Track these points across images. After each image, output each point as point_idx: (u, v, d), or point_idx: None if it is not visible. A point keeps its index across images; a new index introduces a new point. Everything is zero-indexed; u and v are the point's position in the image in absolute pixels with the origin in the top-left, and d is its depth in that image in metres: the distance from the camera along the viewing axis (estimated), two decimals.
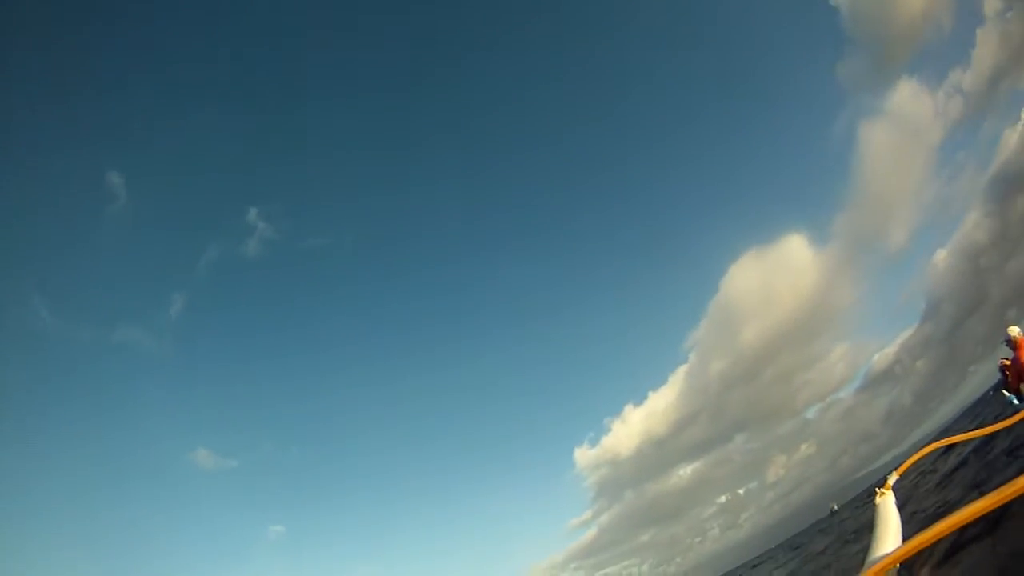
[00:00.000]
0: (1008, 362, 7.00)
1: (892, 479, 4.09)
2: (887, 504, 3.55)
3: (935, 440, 6.70)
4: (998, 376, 8.29)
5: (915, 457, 5.06)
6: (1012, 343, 6.73)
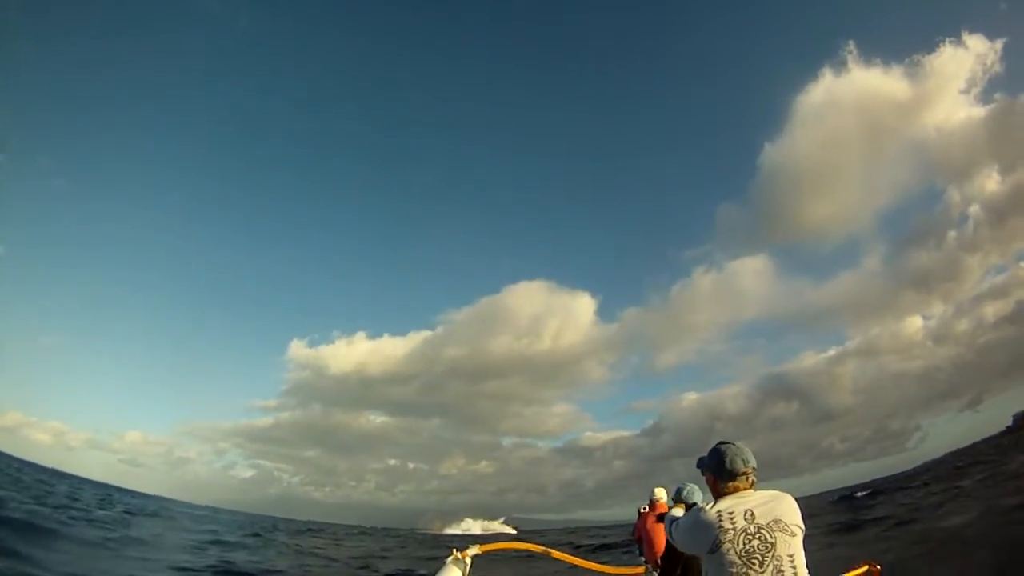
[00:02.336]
0: (644, 512, 6.71)
1: (473, 551, 4.24)
2: (455, 570, 3.88)
3: (544, 546, 6.58)
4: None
5: (506, 545, 5.32)
6: (652, 504, 6.50)
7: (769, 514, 2.33)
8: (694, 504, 4.32)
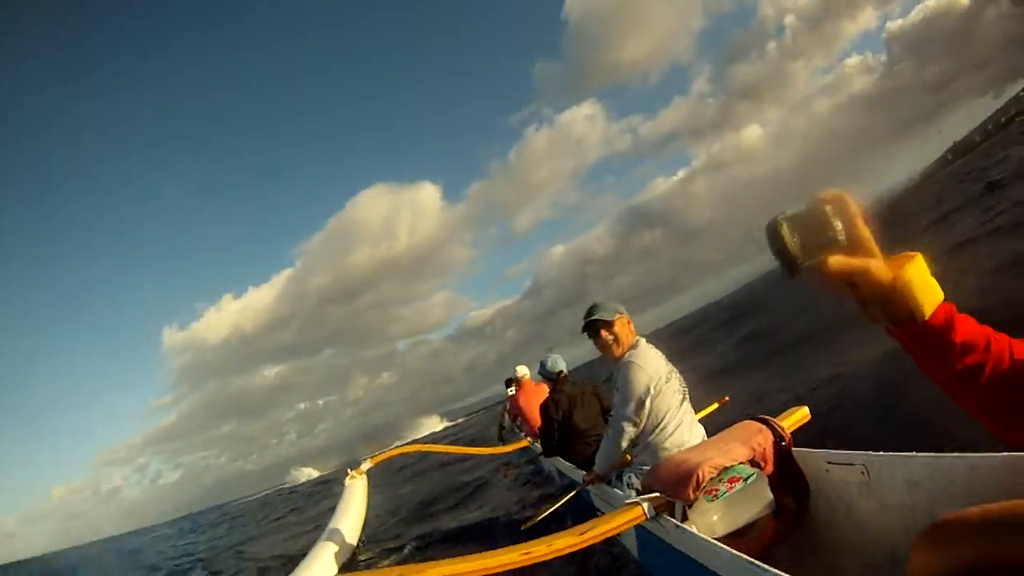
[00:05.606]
0: (513, 392, 6.82)
1: (366, 466, 4.51)
2: (356, 486, 4.09)
3: (430, 445, 7.72)
4: (503, 411, 8.20)
5: (395, 452, 5.55)
6: (517, 382, 6.55)
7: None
8: (560, 372, 4.34)
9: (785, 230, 0.77)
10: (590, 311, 2.63)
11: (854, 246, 0.77)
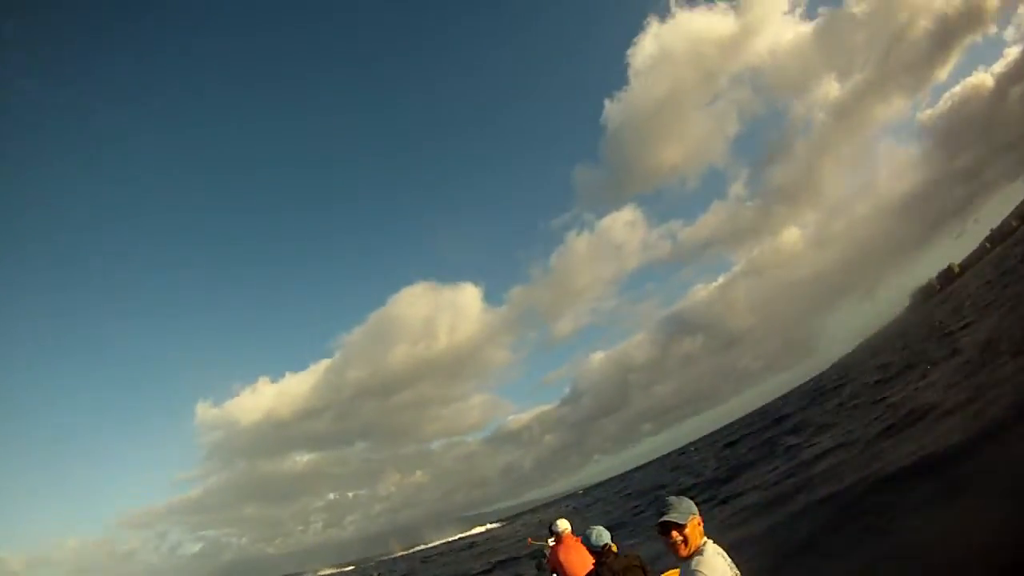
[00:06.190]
0: (553, 545, 6.85)
1: None
2: None
3: None
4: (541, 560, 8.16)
5: None
6: (557, 536, 6.59)
7: None
8: (605, 545, 4.46)
9: None
10: (663, 509, 2.70)
11: None
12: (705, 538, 2.68)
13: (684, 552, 2.62)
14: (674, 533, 2.62)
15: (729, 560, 2.67)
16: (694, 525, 2.65)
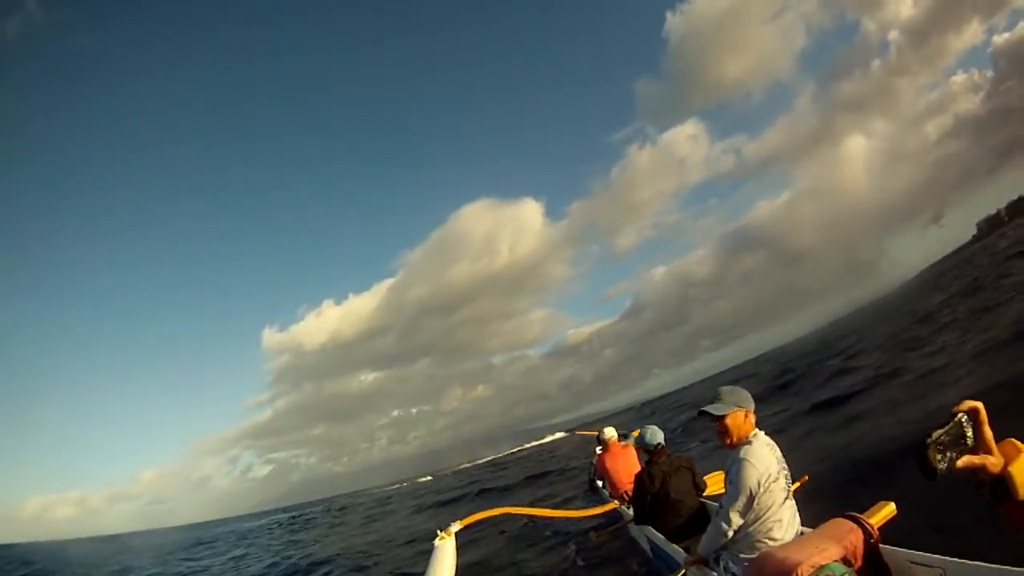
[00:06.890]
0: (600, 453, 7.36)
1: (456, 527, 4.53)
2: (446, 548, 4.12)
3: (519, 507, 7.57)
4: (591, 469, 9.27)
5: (483, 515, 5.50)
6: (604, 444, 6.92)
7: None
8: (658, 444, 4.44)
9: (932, 453, 1.13)
10: (714, 397, 2.79)
11: (978, 447, 1.14)
12: (756, 430, 2.73)
13: (728, 441, 2.70)
14: (716, 423, 2.71)
15: (779, 453, 2.70)
16: (737, 417, 2.69)
